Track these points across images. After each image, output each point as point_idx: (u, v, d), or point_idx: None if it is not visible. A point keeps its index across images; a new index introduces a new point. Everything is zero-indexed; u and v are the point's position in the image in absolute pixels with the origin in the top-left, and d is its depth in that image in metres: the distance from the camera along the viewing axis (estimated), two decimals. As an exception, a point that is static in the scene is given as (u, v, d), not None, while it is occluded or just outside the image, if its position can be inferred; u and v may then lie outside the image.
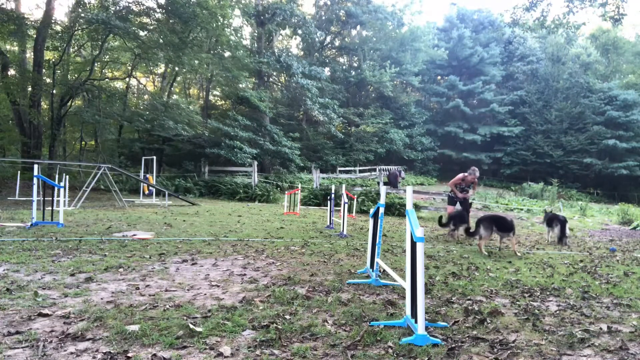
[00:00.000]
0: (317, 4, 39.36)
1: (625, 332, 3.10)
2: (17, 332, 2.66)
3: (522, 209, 19.03)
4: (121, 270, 4.44)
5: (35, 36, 19.44)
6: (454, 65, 44.94)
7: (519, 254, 6.53)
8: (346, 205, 8.28)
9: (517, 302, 3.81)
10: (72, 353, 2.42)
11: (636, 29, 49.92)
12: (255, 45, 29.77)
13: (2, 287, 3.59)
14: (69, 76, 23.21)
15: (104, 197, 15.17)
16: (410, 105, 41.58)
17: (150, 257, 5.15)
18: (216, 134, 24.25)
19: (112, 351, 2.44)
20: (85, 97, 25.38)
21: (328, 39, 40.46)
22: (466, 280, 4.62)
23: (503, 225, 6.75)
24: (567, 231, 7.99)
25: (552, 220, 8.22)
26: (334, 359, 2.47)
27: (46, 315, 2.98)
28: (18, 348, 2.45)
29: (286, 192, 14.46)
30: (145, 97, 32.07)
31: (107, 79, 26.52)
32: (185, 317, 3.02)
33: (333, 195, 9.95)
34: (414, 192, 11.82)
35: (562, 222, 7.96)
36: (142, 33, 21.19)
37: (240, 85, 27.40)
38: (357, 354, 2.53)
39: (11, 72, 20.94)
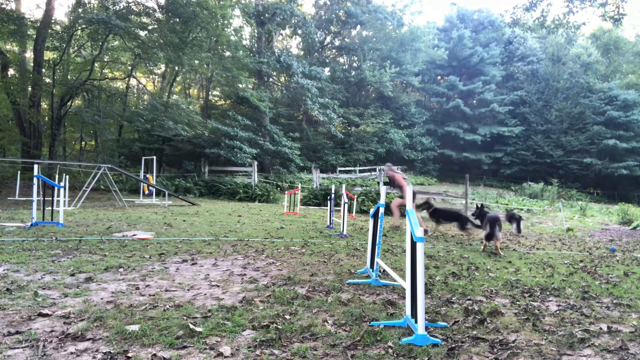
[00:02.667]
0: (317, 4, 39.38)
1: (625, 332, 3.09)
2: (17, 332, 2.66)
3: (522, 209, 19.02)
4: (121, 270, 4.44)
5: (35, 36, 19.45)
6: (454, 66, 44.94)
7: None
8: (346, 205, 8.28)
9: (517, 302, 3.81)
10: (72, 353, 2.42)
11: (636, 29, 50.00)
12: (255, 45, 29.78)
13: (2, 287, 3.59)
14: (69, 76, 23.23)
15: (104, 197, 15.18)
16: (410, 105, 41.58)
17: (150, 257, 5.15)
18: (216, 134, 24.27)
19: (112, 351, 2.44)
20: (85, 97, 25.42)
21: (328, 39, 40.47)
22: (466, 280, 4.62)
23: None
24: (522, 225, 9.63)
25: (511, 217, 9.51)
26: (334, 359, 2.47)
27: (46, 315, 2.98)
28: (18, 348, 2.45)
29: (286, 192, 14.47)
30: (145, 97, 32.11)
31: (107, 79, 26.53)
32: (185, 317, 3.02)
33: (333, 195, 9.95)
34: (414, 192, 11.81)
35: (517, 219, 9.40)
36: (142, 33, 21.20)
37: (240, 85, 27.42)
38: (357, 354, 2.53)
39: (11, 72, 20.95)
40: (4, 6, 18.68)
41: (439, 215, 9.18)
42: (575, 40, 45.27)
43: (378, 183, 24.78)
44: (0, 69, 19.60)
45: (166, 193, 14.78)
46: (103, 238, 6.45)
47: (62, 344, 2.53)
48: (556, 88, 42.25)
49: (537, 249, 7.64)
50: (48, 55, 21.83)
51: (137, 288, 3.78)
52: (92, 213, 10.38)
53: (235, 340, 2.68)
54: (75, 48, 25.24)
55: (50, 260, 4.78)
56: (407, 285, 3.03)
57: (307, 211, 13.79)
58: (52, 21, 20.26)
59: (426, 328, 2.81)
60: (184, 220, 9.38)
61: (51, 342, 2.55)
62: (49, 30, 19.68)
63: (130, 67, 27.08)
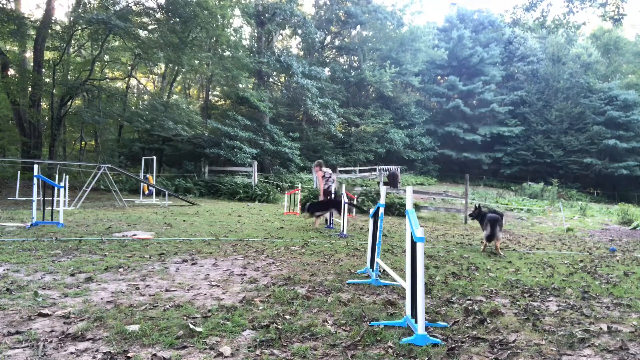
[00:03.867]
0: (317, 4, 39.37)
1: (625, 332, 3.09)
2: (17, 332, 2.66)
3: (522, 209, 19.03)
4: (121, 270, 4.44)
5: (35, 36, 19.44)
6: (454, 66, 44.94)
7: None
8: (346, 206, 8.28)
9: (517, 302, 3.81)
10: (72, 353, 2.42)
11: (636, 29, 49.97)
12: (255, 45, 29.76)
13: (2, 287, 3.59)
14: (69, 76, 23.23)
15: (104, 197, 15.17)
16: (410, 105, 41.58)
17: (150, 257, 5.14)
18: (216, 134, 24.25)
19: (112, 351, 2.44)
20: (85, 97, 25.41)
21: (328, 39, 40.45)
22: (466, 280, 4.62)
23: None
24: (504, 221, 9.59)
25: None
26: (334, 359, 2.47)
27: (46, 315, 2.98)
28: (18, 348, 2.45)
29: (286, 192, 14.47)
30: (145, 97, 32.10)
31: (107, 79, 26.52)
32: (185, 317, 3.02)
33: (333, 195, 9.95)
34: (414, 192, 11.84)
35: (500, 215, 9.56)
36: (142, 33, 21.19)
37: (240, 85, 27.40)
38: (357, 354, 2.53)
39: (11, 72, 20.94)
40: (4, 6, 18.68)
41: (314, 209, 9.33)
42: (575, 40, 45.26)
43: (378, 183, 24.80)
44: (0, 69, 19.59)
45: (166, 193, 14.78)
46: (103, 238, 6.44)
47: (62, 344, 2.52)
48: (556, 88, 42.25)
49: (537, 249, 7.64)
50: (48, 55, 21.82)
51: (137, 288, 3.78)
52: (92, 213, 10.38)
53: (235, 340, 2.68)
54: (75, 48, 25.24)
55: (50, 260, 4.77)
56: (407, 285, 3.03)
57: (307, 211, 13.76)
58: (52, 21, 20.25)
59: (426, 328, 2.81)
60: (184, 220, 9.38)
61: (51, 342, 2.55)
62: (49, 30, 19.66)
63: (130, 67, 27.08)
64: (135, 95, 33.43)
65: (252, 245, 6.42)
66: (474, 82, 43.75)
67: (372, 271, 4.43)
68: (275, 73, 32.68)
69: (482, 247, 6.92)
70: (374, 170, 32.40)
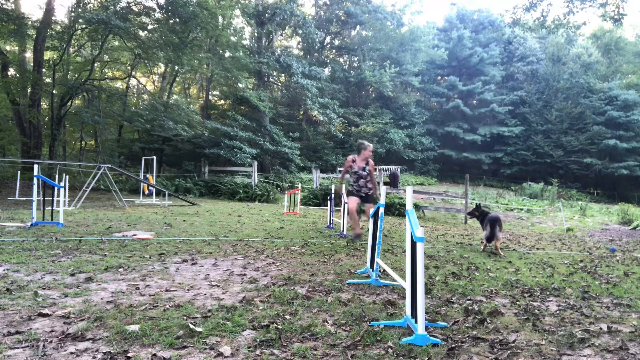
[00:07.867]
0: (317, 4, 39.39)
1: (625, 332, 3.09)
2: (17, 332, 2.66)
3: (522, 209, 19.03)
4: (121, 270, 4.44)
5: (35, 36, 19.46)
6: (453, 66, 44.96)
7: None
8: (346, 205, 8.27)
9: (517, 302, 3.81)
10: (72, 353, 2.42)
11: (636, 29, 49.90)
12: (255, 45, 29.78)
13: (2, 287, 3.59)
14: (69, 76, 23.25)
15: (104, 197, 15.18)
16: (410, 105, 41.58)
17: (150, 257, 5.14)
18: (216, 134, 24.27)
19: (112, 351, 2.44)
20: (85, 97, 25.46)
21: (328, 39, 40.47)
22: (466, 280, 4.61)
23: None
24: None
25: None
26: (334, 359, 2.47)
27: (46, 315, 2.98)
28: (18, 348, 2.45)
29: (286, 192, 14.47)
30: (145, 97, 32.12)
31: (107, 79, 26.54)
32: (185, 317, 3.02)
33: (333, 195, 9.95)
34: (414, 192, 11.85)
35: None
36: (142, 33, 21.21)
37: (240, 85, 27.42)
38: (357, 354, 2.53)
39: (11, 72, 20.96)
40: (4, 6, 18.69)
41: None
42: (575, 41, 45.27)
43: (378, 183, 24.78)
44: (0, 69, 19.61)
45: (166, 193, 14.78)
46: (103, 238, 6.44)
47: (62, 344, 2.52)
48: (556, 88, 42.25)
49: (537, 249, 7.63)
50: (48, 55, 21.85)
51: (137, 288, 3.78)
52: (92, 213, 10.38)
53: (235, 340, 2.67)
54: (76, 48, 25.27)
55: (50, 260, 4.77)
56: (407, 285, 3.03)
57: (307, 211, 13.78)
58: (52, 21, 20.27)
59: (426, 328, 2.81)
60: (184, 220, 9.37)
61: (51, 342, 2.55)
62: (49, 30, 19.68)
63: (130, 67, 27.11)
64: (135, 95, 33.45)
65: (252, 245, 6.42)
66: (473, 82, 43.76)
67: (372, 271, 4.43)
68: (275, 73, 32.70)
69: (482, 247, 6.92)
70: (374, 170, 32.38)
